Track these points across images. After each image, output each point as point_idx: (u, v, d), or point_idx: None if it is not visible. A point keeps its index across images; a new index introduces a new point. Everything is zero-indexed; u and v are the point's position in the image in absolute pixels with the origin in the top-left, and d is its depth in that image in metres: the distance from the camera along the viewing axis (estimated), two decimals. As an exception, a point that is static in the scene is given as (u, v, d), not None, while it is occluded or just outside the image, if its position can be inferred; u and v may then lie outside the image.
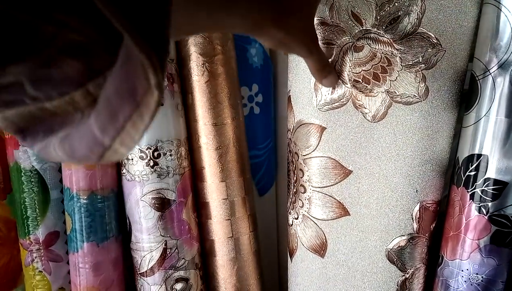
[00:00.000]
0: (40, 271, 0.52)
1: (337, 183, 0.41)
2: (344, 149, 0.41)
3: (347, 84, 0.39)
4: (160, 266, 0.49)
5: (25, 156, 0.49)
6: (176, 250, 0.50)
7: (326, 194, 0.42)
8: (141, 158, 0.47)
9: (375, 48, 0.38)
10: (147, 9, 0.13)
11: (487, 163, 0.36)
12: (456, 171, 0.40)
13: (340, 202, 0.42)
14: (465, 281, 0.39)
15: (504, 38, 0.34)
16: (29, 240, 0.51)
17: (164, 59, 0.13)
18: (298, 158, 0.44)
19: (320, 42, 0.39)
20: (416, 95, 0.38)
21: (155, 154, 0.48)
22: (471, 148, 0.38)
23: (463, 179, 0.39)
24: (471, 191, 0.38)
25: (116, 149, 0.15)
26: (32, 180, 0.50)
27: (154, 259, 0.49)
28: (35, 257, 0.51)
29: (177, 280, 0.50)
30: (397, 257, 0.42)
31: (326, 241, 0.43)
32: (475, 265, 0.38)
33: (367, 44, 0.38)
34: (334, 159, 0.41)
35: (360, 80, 0.39)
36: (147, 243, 0.49)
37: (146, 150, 0.47)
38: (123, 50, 0.14)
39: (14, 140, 0.49)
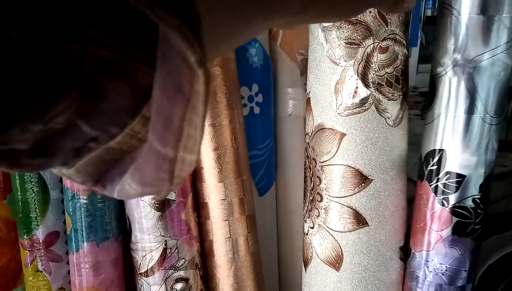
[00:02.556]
0: (40, 271, 0.52)
1: (356, 193, 0.39)
2: (364, 156, 0.38)
3: (370, 88, 0.37)
4: (160, 266, 0.49)
5: (25, 156, 0.49)
6: (176, 250, 0.50)
7: (344, 205, 0.40)
8: (141, 157, 0.47)
9: (397, 50, 0.37)
10: None
11: (447, 157, 0.37)
12: (420, 166, 0.41)
13: (358, 213, 0.40)
14: (430, 272, 0.40)
15: (458, 39, 0.35)
16: (29, 240, 0.51)
17: (199, 31, 0.12)
18: (316, 164, 0.42)
19: (343, 42, 0.37)
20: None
21: (155, 153, 0.48)
22: (432, 143, 0.39)
23: (425, 173, 0.40)
24: (433, 184, 0.39)
25: (182, 158, 0.14)
26: (32, 180, 0.50)
27: (154, 259, 0.49)
28: (35, 257, 0.51)
29: (177, 280, 0.50)
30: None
31: (342, 254, 0.41)
32: (439, 255, 0.39)
33: (391, 45, 0.37)
34: (353, 167, 0.39)
35: (384, 83, 0.37)
36: (147, 243, 0.49)
37: (146, 149, 0.47)
38: (159, 50, 0.12)
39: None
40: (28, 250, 0.51)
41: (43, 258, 0.51)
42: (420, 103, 1.01)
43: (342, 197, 0.40)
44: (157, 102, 0.13)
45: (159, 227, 0.48)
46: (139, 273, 0.50)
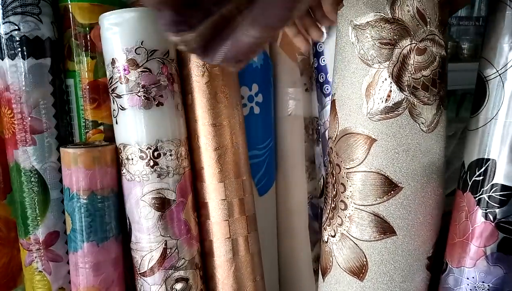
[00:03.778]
0: (40, 271, 0.52)
1: (384, 201, 0.37)
2: (395, 163, 0.36)
3: (405, 91, 0.35)
4: (160, 266, 0.49)
5: (25, 156, 0.49)
6: (176, 250, 0.50)
7: (371, 213, 0.38)
8: (141, 157, 0.48)
9: (435, 52, 0.35)
10: None
11: (495, 168, 0.35)
12: (462, 175, 0.39)
13: (386, 222, 0.38)
14: (470, 290, 0.38)
15: None
16: (29, 240, 0.51)
17: None
18: (340, 170, 0.39)
19: (377, 42, 0.35)
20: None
21: (155, 153, 0.48)
22: (478, 152, 0.36)
23: (470, 184, 0.37)
24: (477, 196, 0.36)
25: None
26: (32, 180, 0.50)
27: (154, 259, 0.49)
28: (35, 257, 0.51)
29: (177, 280, 0.50)
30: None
31: (367, 264, 0.39)
32: (481, 273, 0.36)
33: (429, 46, 0.34)
34: (383, 175, 0.37)
35: (419, 87, 0.35)
36: (147, 243, 0.49)
37: (146, 149, 0.47)
38: None
39: (14, 140, 0.49)
40: (28, 250, 0.51)
41: (43, 258, 0.51)
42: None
43: (369, 205, 0.38)
44: None
45: (159, 227, 0.48)
46: (139, 273, 0.50)
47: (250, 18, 0.18)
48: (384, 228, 0.38)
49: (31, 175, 0.49)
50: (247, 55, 0.20)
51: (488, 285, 0.37)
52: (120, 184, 0.51)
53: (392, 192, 0.37)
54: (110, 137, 0.51)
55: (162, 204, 0.48)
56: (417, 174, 0.37)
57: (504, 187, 0.34)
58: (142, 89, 0.47)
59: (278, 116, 0.63)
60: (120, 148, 0.49)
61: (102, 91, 0.51)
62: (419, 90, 0.35)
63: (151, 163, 0.48)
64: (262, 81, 0.59)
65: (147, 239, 0.49)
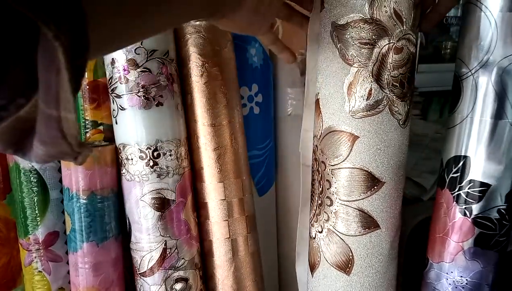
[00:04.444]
0: (40, 271, 0.52)
1: (368, 196, 0.38)
2: (377, 159, 0.37)
3: (385, 89, 0.36)
4: (160, 266, 0.49)
5: (24, 156, 0.49)
6: (176, 250, 0.50)
7: (356, 208, 0.39)
8: (141, 158, 0.47)
9: (411, 50, 0.36)
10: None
11: (471, 165, 0.35)
12: (440, 172, 0.40)
13: (371, 216, 0.39)
14: (449, 284, 0.39)
15: (486, 38, 0.34)
16: (29, 240, 0.51)
17: (53, 14, 0.16)
18: (325, 167, 0.40)
19: (357, 42, 0.36)
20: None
21: (155, 154, 0.48)
22: (455, 149, 0.37)
23: (447, 180, 0.38)
24: (455, 192, 0.37)
25: (65, 116, 0.17)
26: (31, 180, 0.50)
27: (154, 259, 0.49)
28: (35, 257, 0.51)
29: (177, 280, 0.50)
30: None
31: (353, 258, 0.40)
32: (460, 268, 0.37)
33: (406, 45, 0.35)
34: (366, 170, 0.38)
35: (397, 84, 0.36)
36: (147, 243, 0.49)
37: (146, 150, 0.47)
38: (40, 34, 0.16)
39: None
40: (28, 250, 0.51)
41: (42, 258, 0.51)
42: (420, 103, 1.01)
43: (353, 200, 0.39)
44: (40, 74, 0.16)
45: (158, 227, 0.48)
46: (139, 273, 0.50)
47: (35, 135, 0.19)
48: (369, 223, 0.39)
49: (30, 175, 0.49)
50: (54, 158, 0.20)
51: (466, 280, 0.38)
52: (120, 184, 0.51)
53: (375, 187, 0.38)
54: (109, 137, 0.51)
55: (162, 204, 0.48)
56: (396, 168, 0.38)
57: (480, 183, 0.35)
58: (141, 89, 0.47)
59: (278, 116, 0.63)
60: (119, 148, 0.49)
61: (101, 91, 0.51)
62: (397, 87, 0.36)
63: (151, 163, 0.48)
64: (262, 81, 0.59)
65: (147, 239, 0.49)
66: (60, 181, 0.51)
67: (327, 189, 0.40)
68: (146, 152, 0.47)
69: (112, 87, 0.48)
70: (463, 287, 0.38)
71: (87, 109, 0.52)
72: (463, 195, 0.36)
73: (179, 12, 0.27)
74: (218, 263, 0.53)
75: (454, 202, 0.37)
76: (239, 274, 0.53)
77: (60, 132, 0.18)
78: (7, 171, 0.52)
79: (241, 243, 0.53)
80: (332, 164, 0.39)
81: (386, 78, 0.36)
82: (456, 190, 0.37)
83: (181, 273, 0.50)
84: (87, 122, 0.52)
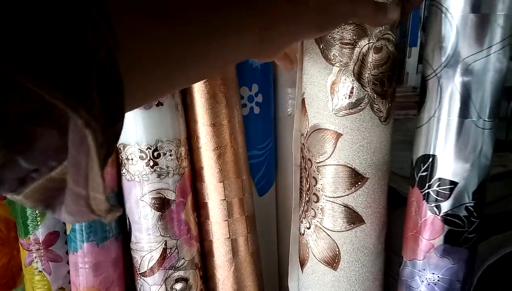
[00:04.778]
0: (40, 271, 0.52)
1: (353, 192, 0.39)
2: (361, 155, 0.38)
3: (366, 87, 0.37)
4: (160, 266, 0.49)
5: (25, 156, 0.49)
6: (176, 250, 0.50)
7: (341, 204, 0.40)
8: (141, 158, 0.48)
9: (390, 50, 0.37)
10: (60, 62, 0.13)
11: (439, 163, 0.36)
12: (411, 171, 0.41)
13: (355, 212, 0.40)
14: (422, 281, 0.40)
15: (448, 39, 0.34)
16: (29, 240, 0.51)
17: (83, 99, 0.14)
18: (312, 164, 0.41)
19: (338, 42, 0.37)
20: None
21: (155, 154, 0.48)
22: (424, 148, 0.38)
23: (417, 179, 0.39)
24: (424, 191, 0.38)
25: (93, 196, 0.16)
26: (32, 180, 0.50)
27: (154, 259, 0.49)
28: (35, 257, 0.51)
29: (177, 280, 0.50)
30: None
31: (340, 253, 0.41)
32: (431, 265, 0.38)
33: (385, 45, 0.36)
34: (350, 167, 0.39)
35: (378, 82, 0.37)
36: (147, 243, 0.49)
37: (146, 149, 0.47)
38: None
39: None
40: (28, 250, 0.51)
41: (43, 258, 0.51)
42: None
43: (338, 196, 0.40)
44: (70, 151, 0.16)
45: (159, 227, 0.48)
46: (139, 273, 0.50)
47: (63, 205, 0.18)
48: (354, 218, 0.40)
49: (31, 175, 0.49)
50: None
51: (438, 276, 0.38)
52: (120, 184, 0.51)
53: (359, 183, 0.39)
54: (110, 137, 0.51)
55: (162, 204, 0.48)
56: (379, 164, 0.39)
57: (448, 182, 0.36)
58: (142, 89, 0.46)
59: (278, 116, 0.63)
60: (120, 148, 0.49)
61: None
62: (378, 85, 0.37)
63: (151, 163, 0.48)
64: (262, 81, 0.59)
65: (147, 239, 0.49)
66: (60, 181, 0.51)
67: (314, 186, 0.41)
68: (146, 151, 0.47)
69: (112, 87, 0.48)
70: (435, 284, 0.39)
71: (87, 109, 0.52)
72: (432, 193, 0.37)
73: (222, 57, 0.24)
74: (218, 263, 0.53)
75: (424, 200, 0.38)
76: (239, 274, 0.53)
77: (88, 208, 0.17)
78: (7, 171, 0.52)
79: (241, 243, 0.53)
80: (318, 161, 0.40)
81: (367, 77, 0.37)
82: (425, 188, 0.38)
83: (181, 273, 0.50)
84: (87, 122, 0.52)
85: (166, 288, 0.50)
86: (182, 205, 0.50)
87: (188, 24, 0.20)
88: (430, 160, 0.37)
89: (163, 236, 0.49)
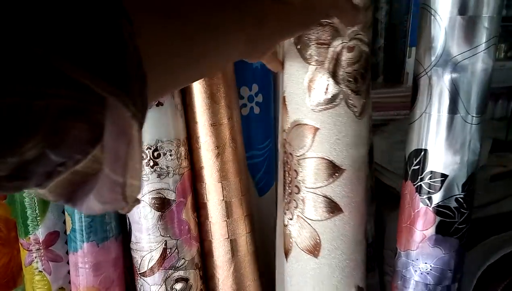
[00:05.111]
0: (40, 271, 0.52)
1: (331, 183, 0.41)
2: (337, 148, 0.41)
3: (340, 84, 0.39)
4: (160, 266, 0.49)
5: (25, 156, 0.49)
6: (176, 250, 0.50)
7: (320, 195, 0.42)
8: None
9: (362, 49, 0.39)
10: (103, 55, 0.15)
11: (430, 157, 0.38)
12: (404, 166, 0.43)
13: (334, 201, 0.42)
14: (415, 271, 0.41)
15: (437, 40, 0.36)
16: (29, 240, 0.51)
17: (133, 92, 0.16)
18: (293, 158, 0.43)
19: (314, 43, 0.39)
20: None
21: (155, 153, 0.48)
22: (415, 143, 0.40)
23: (409, 173, 0.41)
24: (416, 184, 0.40)
25: (130, 183, 0.18)
26: (32, 180, 0.50)
27: (154, 259, 0.49)
28: (35, 257, 0.51)
29: (177, 280, 0.50)
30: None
31: (320, 242, 0.43)
32: (424, 255, 0.40)
33: (357, 44, 0.39)
34: (328, 159, 0.41)
35: (352, 80, 0.40)
36: (147, 243, 0.49)
37: (146, 149, 0.47)
38: (106, 100, 0.16)
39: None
40: (28, 250, 0.51)
41: (43, 258, 0.52)
42: (420, 103, 1.01)
43: (317, 187, 0.42)
44: (108, 142, 0.17)
45: (159, 227, 0.48)
46: (139, 273, 0.50)
47: (93, 192, 0.20)
48: (333, 207, 0.42)
49: (31, 175, 0.49)
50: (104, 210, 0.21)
51: (431, 266, 0.40)
52: (120, 184, 0.51)
53: (336, 174, 0.41)
54: (110, 137, 0.51)
55: (162, 204, 0.48)
56: (355, 156, 0.41)
57: (439, 174, 0.37)
58: (142, 89, 0.47)
59: (278, 116, 0.63)
60: (120, 148, 0.49)
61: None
62: (352, 82, 0.40)
63: (151, 163, 0.48)
64: (262, 81, 0.59)
65: (147, 239, 0.49)
66: (60, 181, 0.51)
67: (295, 178, 0.43)
68: (146, 151, 0.47)
69: (112, 87, 0.48)
70: (428, 273, 0.40)
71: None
72: (424, 186, 0.39)
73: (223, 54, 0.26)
74: (218, 263, 0.53)
75: (416, 193, 0.40)
76: (238, 274, 0.53)
77: (122, 195, 0.18)
78: (8, 171, 0.52)
79: (241, 243, 0.53)
80: (298, 154, 0.42)
81: (341, 75, 0.39)
82: (418, 181, 0.39)
83: (181, 273, 0.50)
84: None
85: (166, 288, 0.50)
86: (182, 205, 0.50)
87: (191, 24, 0.22)
88: (422, 154, 0.39)
89: (163, 236, 0.49)
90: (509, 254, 0.51)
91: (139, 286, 0.51)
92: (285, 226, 0.47)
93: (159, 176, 0.48)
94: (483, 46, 0.35)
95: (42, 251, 0.51)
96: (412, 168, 0.40)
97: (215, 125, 0.51)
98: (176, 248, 0.50)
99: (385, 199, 0.70)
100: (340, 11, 0.35)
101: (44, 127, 0.15)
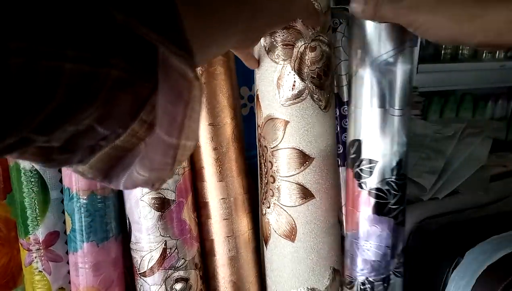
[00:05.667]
0: (40, 271, 0.52)
1: (302, 171, 0.46)
2: (306, 138, 0.45)
3: (306, 80, 0.44)
4: (160, 266, 0.49)
5: (25, 156, 0.49)
6: (176, 250, 0.50)
7: (293, 182, 0.46)
8: (141, 158, 0.48)
9: (324, 49, 0.44)
10: (164, 20, 0.17)
11: (363, 146, 0.43)
12: (345, 155, 0.48)
13: (306, 188, 0.46)
14: (358, 249, 0.46)
15: (364, 40, 0.41)
16: (29, 240, 0.51)
17: (193, 57, 0.18)
18: (267, 151, 0.48)
19: (280, 44, 0.43)
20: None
21: (155, 154, 0.48)
22: (353, 134, 0.45)
23: (349, 161, 0.46)
24: (354, 170, 0.45)
25: (184, 144, 0.19)
26: (32, 180, 0.50)
27: (154, 259, 0.49)
28: (35, 257, 0.51)
29: (177, 280, 0.50)
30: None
31: (296, 226, 0.47)
32: (364, 233, 0.44)
33: (318, 45, 0.43)
34: (298, 149, 0.45)
35: (316, 76, 0.44)
36: (146, 243, 0.49)
37: (146, 150, 0.47)
38: (160, 71, 0.17)
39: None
40: (28, 250, 0.51)
41: (43, 258, 0.52)
42: (420, 103, 1.01)
43: (291, 175, 0.46)
44: (163, 106, 0.18)
45: (158, 227, 0.48)
46: (139, 273, 0.50)
47: (139, 161, 0.20)
48: (305, 193, 0.46)
49: (31, 175, 0.50)
50: (147, 185, 0.22)
51: (370, 244, 0.44)
52: (120, 184, 0.51)
53: (306, 163, 0.45)
54: (110, 137, 0.52)
55: (161, 204, 0.48)
56: (322, 145, 0.46)
57: (370, 161, 0.43)
58: (142, 89, 0.47)
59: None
60: (120, 148, 0.49)
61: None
62: (316, 78, 0.44)
63: (151, 163, 0.48)
64: (262, 81, 0.59)
65: (147, 239, 0.49)
66: (61, 181, 0.51)
67: (270, 169, 0.48)
68: (146, 151, 0.47)
69: (112, 87, 0.48)
70: (369, 250, 0.45)
71: (87, 109, 0.52)
72: (360, 172, 0.43)
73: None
74: (221, 262, 0.53)
75: (355, 178, 0.45)
76: (242, 271, 0.54)
77: (173, 158, 0.20)
78: (8, 170, 0.52)
79: (244, 240, 0.53)
80: (272, 146, 0.47)
81: (306, 72, 0.44)
82: (355, 167, 0.44)
83: (181, 273, 0.50)
84: (87, 122, 0.52)
85: (166, 288, 0.50)
86: (182, 205, 0.50)
87: (208, 14, 0.24)
88: (357, 143, 0.44)
89: (163, 236, 0.49)
90: (509, 254, 0.51)
91: (139, 286, 0.51)
92: (264, 215, 0.50)
93: (159, 176, 0.48)
94: (402, 47, 0.40)
95: (42, 251, 0.51)
96: (350, 156, 0.46)
97: (217, 125, 0.51)
98: (176, 248, 0.50)
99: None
100: (308, 14, 0.40)
101: (101, 96, 0.16)
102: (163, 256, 0.49)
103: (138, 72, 0.17)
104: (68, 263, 0.52)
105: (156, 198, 0.48)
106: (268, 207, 0.49)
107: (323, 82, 0.45)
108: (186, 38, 0.17)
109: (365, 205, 0.43)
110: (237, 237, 0.53)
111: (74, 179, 0.48)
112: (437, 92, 1.12)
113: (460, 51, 1.17)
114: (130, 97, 0.17)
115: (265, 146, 0.48)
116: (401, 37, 0.39)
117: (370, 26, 0.40)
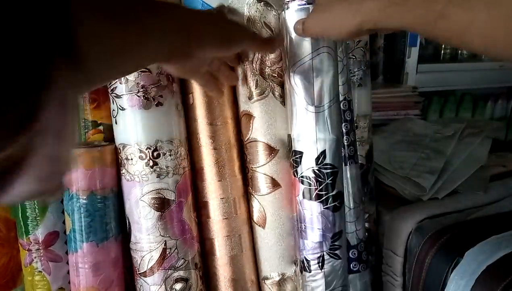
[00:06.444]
0: (39, 271, 0.52)
1: (269, 162, 0.51)
2: (270, 132, 0.50)
3: (267, 79, 0.50)
4: (159, 266, 0.49)
5: (24, 156, 0.49)
6: (176, 250, 0.50)
7: (262, 173, 0.51)
8: (141, 158, 0.48)
9: (281, 51, 0.47)
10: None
11: (294, 140, 0.46)
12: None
13: (272, 178, 0.51)
14: (297, 231, 0.49)
15: (288, 48, 0.44)
16: (29, 240, 0.51)
17: (79, 64, 0.19)
18: (244, 144, 0.53)
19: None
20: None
21: (155, 154, 0.48)
22: (288, 129, 0.48)
23: (290, 153, 0.49)
24: (289, 160, 0.49)
25: (69, 152, 0.20)
26: (31, 180, 0.49)
27: (153, 259, 0.49)
28: (35, 257, 0.51)
29: (177, 280, 0.50)
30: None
31: (265, 214, 0.52)
32: (299, 216, 0.48)
33: (278, 48, 0.46)
34: (264, 142, 0.51)
35: (276, 75, 0.50)
36: (146, 243, 0.49)
37: (146, 150, 0.47)
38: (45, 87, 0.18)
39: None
40: (28, 250, 0.51)
41: (42, 258, 0.51)
42: (420, 103, 1.01)
43: (260, 166, 0.51)
44: (52, 116, 0.18)
45: (158, 227, 0.48)
46: (139, 273, 0.50)
47: (26, 172, 0.20)
48: (272, 183, 0.51)
49: (30, 175, 0.49)
50: (37, 196, 0.22)
51: (304, 225, 0.47)
52: (119, 184, 0.51)
53: (272, 154, 0.51)
54: (109, 137, 0.52)
55: (161, 204, 0.48)
56: (283, 139, 0.50)
57: (298, 152, 0.46)
58: (141, 89, 0.47)
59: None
60: (119, 148, 0.49)
61: (101, 92, 0.51)
62: (276, 77, 0.50)
63: (151, 163, 0.48)
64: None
65: (146, 239, 0.49)
66: (60, 181, 0.51)
67: (245, 160, 0.53)
68: (146, 152, 0.47)
69: (112, 87, 0.48)
70: (304, 231, 0.48)
71: (87, 109, 0.52)
72: (293, 162, 0.47)
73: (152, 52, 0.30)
74: (222, 261, 0.53)
75: (291, 167, 0.48)
76: (241, 272, 0.53)
77: (62, 167, 0.20)
78: (7, 171, 0.52)
79: (243, 241, 0.53)
80: (245, 139, 0.52)
81: (267, 72, 0.50)
82: (290, 158, 0.48)
83: (181, 273, 0.50)
84: (87, 122, 0.52)
85: (165, 288, 0.50)
86: (182, 205, 0.50)
87: (124, 25, 0.25)
88: (289, 138, 0.48)
89: (163, 236, 0.49)
90: (509, 254, 0.51)
91: (139, 286, 0.51)
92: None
93: (158, 176, 0.48)
94: (312, 54, 0.43)
95: (41, 251, 0.51)
96: (288, 148, 0.50)
97: (217, 124, 0.51)
98: (176, 248, 0.50)
99: (385, 199, 0.70)
100: (257, 46, 0.42)
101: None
102: (163, 256, 0.49)
103: (25, 85, 0.17)
104: (67, 263, 0.52)
105: (156, 198, 0.48)
106: (249, 196, 0.54)
107: (283, 80, 0.49)
108: (78, 45, 0.18)
109: (298, 190, 0.47)
110: (238, 236, 0.53)
111: (74, 179, 0.48)
112: (436, 92, 1.11)
113: (460, 52, 1.17)
114: (14, 110, 0.17)
115: (241, 139, 0.53)
116: (318, 43, 0.43)
117: (293, 37, 0.43)
